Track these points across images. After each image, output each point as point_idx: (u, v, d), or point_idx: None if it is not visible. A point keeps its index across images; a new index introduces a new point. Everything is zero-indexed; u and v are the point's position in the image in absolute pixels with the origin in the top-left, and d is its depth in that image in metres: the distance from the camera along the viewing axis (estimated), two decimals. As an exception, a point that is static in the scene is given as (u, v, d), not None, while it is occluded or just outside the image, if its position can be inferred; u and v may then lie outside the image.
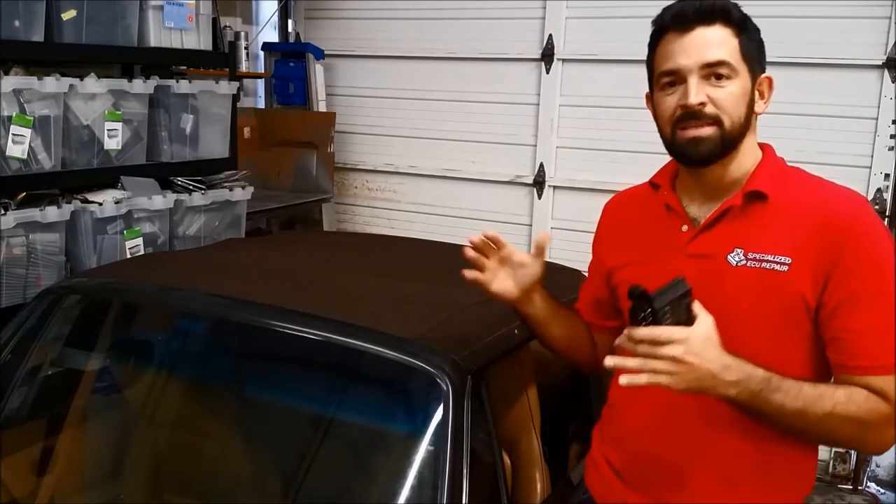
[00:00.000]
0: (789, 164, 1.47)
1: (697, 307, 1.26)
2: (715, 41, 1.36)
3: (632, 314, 1.24)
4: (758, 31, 1.41)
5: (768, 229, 1.36)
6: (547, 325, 1.64)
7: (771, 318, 1.35)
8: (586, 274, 1.75)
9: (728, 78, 1.36)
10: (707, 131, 1.36)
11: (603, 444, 1.62)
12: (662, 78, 1.42)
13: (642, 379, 1.23)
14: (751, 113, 1.40)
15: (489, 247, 1.56)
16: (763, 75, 1.42)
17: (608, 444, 1.60)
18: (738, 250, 1.37)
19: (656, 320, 1.21)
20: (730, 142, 1.38)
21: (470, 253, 1.57)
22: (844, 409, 1.28)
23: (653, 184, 1.56)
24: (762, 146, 1.47)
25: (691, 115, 1.37)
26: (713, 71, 1.36)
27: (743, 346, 1.33)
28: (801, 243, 1.33)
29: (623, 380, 1.25)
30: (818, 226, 1.32)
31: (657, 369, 1.22)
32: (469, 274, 1.57)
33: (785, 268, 1.33)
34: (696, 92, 1.36)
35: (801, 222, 1.34)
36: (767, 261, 1.34)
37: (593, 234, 1.70)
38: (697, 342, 1.23)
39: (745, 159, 1.42)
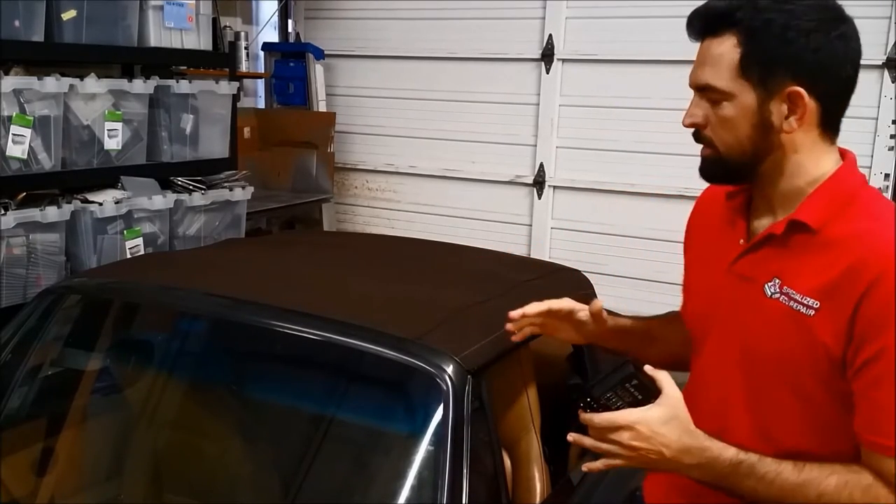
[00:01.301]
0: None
1: (666, 381, 1.18)
2: (709, 59, 1.22)
3: (577, 405, 1.20)
4: (787, 29, 1.17)
5: (806, 264, 1.20)
6: (622, 346, 1.55)
7: (793, 363, 1.20)
8: (586, 274, 1.74)
9: (721, 101, 1.22)
10: (706, 153, 1.27)
11: None
12: None
13: (598, 464, 1.20)
14: (764, 135, 1.21)
15: (535, 319, 1.49)
16: (791, 88, 1.18)
17: None
18: (777, 280, 1.22)
19: (602, 408, 1.17)
20: (734, 166, 1.25)
21: (517, 336, 1.53)
22: (833, 500, 1.14)
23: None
24: (843, 154, 1.27)
25: (695, 134, 1.28)
26: (704, 94, 1.24)
27: (766, 388, 1.25)
28: (831, 285, 1.15)
29: (584, 467, 1.23)
30: (851, 265, 1.14)
31: (609, 452, 1.18)
32: (518, 337, 1.54)
33: (811, 312, 1.17)
34: (690, 112, 1.25)
35: (838, 260, 1.16)
36: (796, 300, 1.19)
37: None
38: (649, 425, 1.15)
39: (796, 179, 1.24)
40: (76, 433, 2.18)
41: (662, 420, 1.16)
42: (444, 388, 1.67)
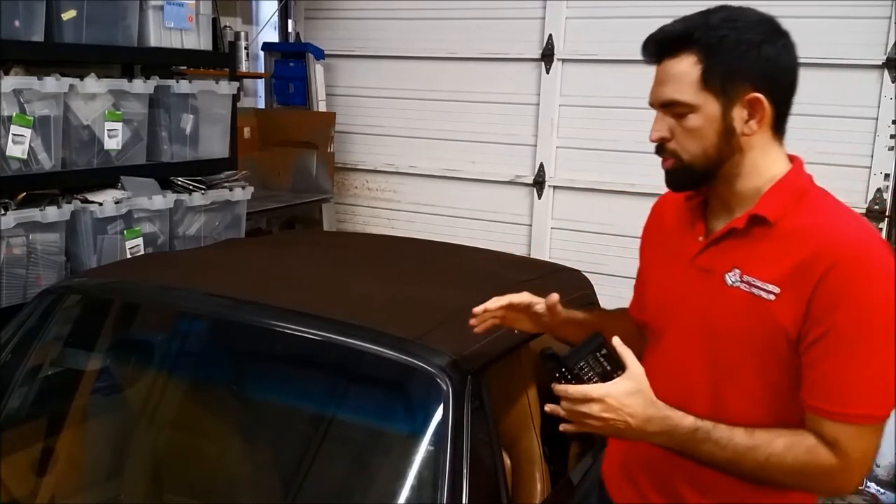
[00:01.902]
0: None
1: (629, 358, 1.29)
2: (672, 77, 1.34)
3: (551, 375, 1.30)
4: (740, 43, 1.30)
5: (766, 254, 1.32)
6: (574, 336, 1.63)
7: (754, 344, 1.32)
8: (586, 274, 1.76)
9: (687, 114, 1.34)
10: (669, 164, 1.39)
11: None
12: None
13: (571, 427, 1.31)
14: (727, 139, 1.33)
15: (497, 312, 1.61)
16: (751, 95, 1.31)
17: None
18: (736, 270, 1.34)
19: (574, 378, 1.28)
20: (698, 173, 1.37)
21: (479, 328, 1.64)
22: (779, 461, 1.26)
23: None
24: (792, 159, 1.40)
25: (657, 149, 1.40)
26: (669, 109, 1.36)
27: (727, 367, 1.36)
28: (790, 273, 1.28)
29: (561, 427, 1.33)
30: (808, 255, 1.26)
31: (581, 421, 1.29)
32: (480, 329, 1.65)
33: (772, 297, 1.29)
34: (656, 128, 1.38)
35: (795, 250, 1.29)
36: (757, 287, 1.31)
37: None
38: (617, 397, 1.27)
39: (752, 179, 1.36)
40: (76, 433, 2.18)
41: (628, 392, 1.28)
42: (444, 388, 1.67)
